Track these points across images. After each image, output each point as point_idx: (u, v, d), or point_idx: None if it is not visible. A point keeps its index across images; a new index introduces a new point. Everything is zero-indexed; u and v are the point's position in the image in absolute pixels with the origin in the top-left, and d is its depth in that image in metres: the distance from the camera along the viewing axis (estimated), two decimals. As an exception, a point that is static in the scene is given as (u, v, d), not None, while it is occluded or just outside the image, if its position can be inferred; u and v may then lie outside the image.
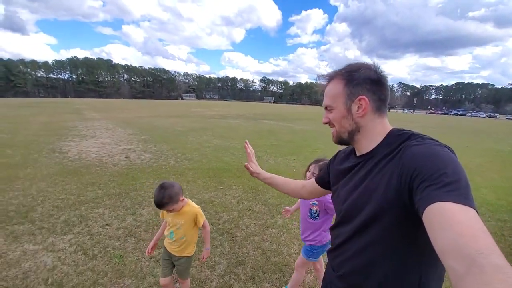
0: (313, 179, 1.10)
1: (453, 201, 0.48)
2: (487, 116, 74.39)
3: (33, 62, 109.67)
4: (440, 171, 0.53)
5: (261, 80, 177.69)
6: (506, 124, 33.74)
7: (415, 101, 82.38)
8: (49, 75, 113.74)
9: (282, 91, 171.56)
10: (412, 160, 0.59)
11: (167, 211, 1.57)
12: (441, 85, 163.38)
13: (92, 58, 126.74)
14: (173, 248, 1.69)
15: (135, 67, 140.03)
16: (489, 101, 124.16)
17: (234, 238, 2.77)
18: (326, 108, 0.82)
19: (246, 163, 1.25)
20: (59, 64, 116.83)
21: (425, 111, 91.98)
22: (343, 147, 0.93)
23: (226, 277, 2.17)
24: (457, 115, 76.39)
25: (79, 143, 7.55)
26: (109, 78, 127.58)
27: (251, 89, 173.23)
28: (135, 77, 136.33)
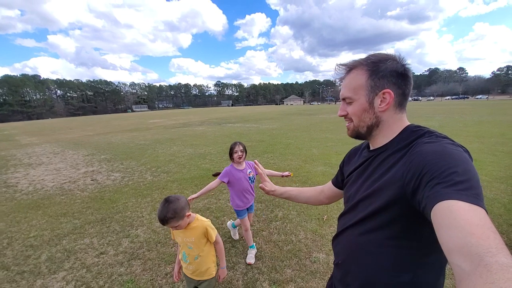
0: (330, 182, 1.08)
1: (462, 200, 0.47)
2: (412, 99, 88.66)
3: None
4: (451, 170, 0.52)
5: (215, 85, 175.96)
6: (429, 104, 40.49)
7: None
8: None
9: (238, 93, 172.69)
10: (422, 156, 0.58)
11: (172, 228, 1.43)
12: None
13: (14, 75, 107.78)
14: (191, 272, 1.56)
15: (70, 80, 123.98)
16: (413, 87, 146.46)
17: (243, 237, 2.84)
18: (344, 99, 0.78)
19: (260, 184, 1.19)
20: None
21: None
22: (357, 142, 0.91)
23: (249, 273, 2.26)
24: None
25: (27, 173, 6.49)
26: (38, 96, 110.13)
27: (207, 94, 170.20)
28: (71, 92, 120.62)
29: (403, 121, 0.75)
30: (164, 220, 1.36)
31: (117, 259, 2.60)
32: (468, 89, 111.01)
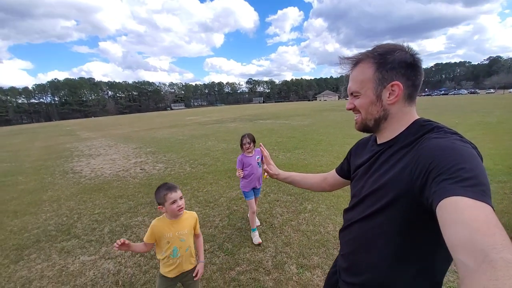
0: (334, 170, 1.09)
1: (468, 196, 0.47)
2: (468, 92, 77.51)
3: (12, 89, 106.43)
4: (459, 166, 0.51)
5: (247, 82, 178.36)
6: (488, 98, 35.33)
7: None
8: (31, 100, 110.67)
9: (269, 90, 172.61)
10: (430, 152, 0.58)
11: (172, 201, 1.41)
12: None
13: (73, 79, 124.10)
14: (177, 269, 1.51)
15: (119, 82, 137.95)
16: (469, 78, 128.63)
17: (273, 225, 3.03)
18: (351, 93, 0.78)
19: (265, 167, 1.23)
20: (40, 88, 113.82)
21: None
22: (365, 135, 0.91)
23: (278, 256, 2.44)
24: (440, 95, 78.98)
25: (89, 162, 7.62)
26: (92, 96, 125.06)
27: (239, 91, 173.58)
28: (120, 92, 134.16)
29: (412, 114, 0.73)
30: (174, 186, 1.45)
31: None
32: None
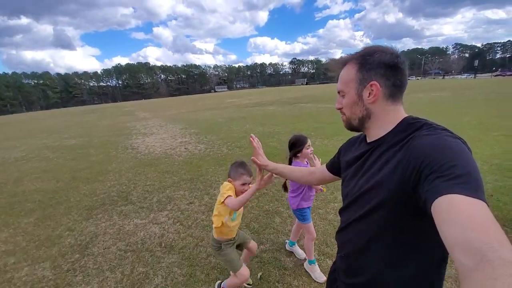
0: (324, 166, 1.10)
1: (463, 194, 0.47)
2: None
3: (86, 74, 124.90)
4: (451, 163, 0.51)
5: (290, 62, 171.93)
6: None
7: (476, 64, 70.59)
8: (100, 83, 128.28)
9: (314, 70, 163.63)
10: (421, 150, 0.57)
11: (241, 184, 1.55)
12: (509, 40, 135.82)
13: (132, 64, 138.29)
14: (234, 229, 1.69)
15: (170, 66, 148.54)
16: None
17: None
18: (339, 93, 0.81)
19: (252, 157, 1.24)
20: (106, 73, 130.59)
21: (489, 74, 77.48)
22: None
23: (301, 241, 2.52)
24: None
25: (144, 140, 8.70)
26: (148, 80, 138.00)
27: (281, 73, 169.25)
28: (170, 75, 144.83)
29: (399, 112, 0.74)
30: (251, 171, 1.60)
31: (201, 209, 3.37)
32: None
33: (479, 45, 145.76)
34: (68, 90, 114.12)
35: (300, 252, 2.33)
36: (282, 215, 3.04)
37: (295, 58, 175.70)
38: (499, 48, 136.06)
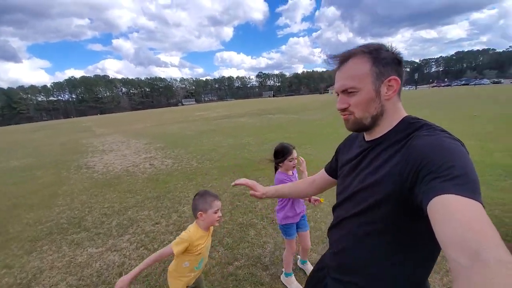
0: (323, 170, 1.07)
1: (460, 194, 0.47)
2: (491, 82, 72.30)
3: (33, 88, 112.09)
4: (449, 164, 0.51)
5: (257, 76, 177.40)
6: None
7: (416, 77, 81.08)
8: (50, 98, 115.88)
9: (279, 83, 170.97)
10: (420, 150, 0.58)
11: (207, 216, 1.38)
12: (441, 56, 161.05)
13: (89, 76, 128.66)
14: (195, 277, 1.52)
15: (132, 79, 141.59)
16: (492, 67, 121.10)
17: (274, 221, 3.03)
18: (345, 91, 0.72)
19: (251, 192, 1.20)
20: (58, 86, 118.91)
21: (427, 85, 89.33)
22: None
23: (276, 252, 2.45)
24: (460, 85, 74.68)
25: (102, 158, 7.92)
26: (108, 93, 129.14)
27: (249, 86, 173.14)
28: (133, 89, 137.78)
29: (402, 110, 0.74)
30: (217, 195, 1.44)
31: (168, 229, 3.09)
32: None
33: (417, 60, 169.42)
34: (11, 106, 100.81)
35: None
36: (256, 227, 2.94)
37: (261, 72, 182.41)
38: (433, 63, 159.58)
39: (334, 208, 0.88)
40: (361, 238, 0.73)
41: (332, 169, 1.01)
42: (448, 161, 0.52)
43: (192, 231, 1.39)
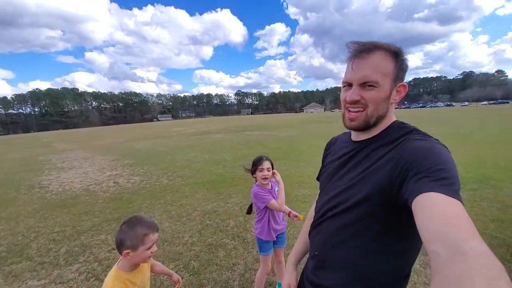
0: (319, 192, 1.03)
1: (444, 193, 0.50)
2: (444, 105, 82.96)
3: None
4: (438, 166, 0.54)
5: (236, 94, 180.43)
6: (462, 111, 37.56)
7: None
8: (9, 111, 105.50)
9: (257, 102, 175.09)
10: (412, 152, 0.60)
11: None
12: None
13: (55, 89, 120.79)
14: None
15: (104, 93, 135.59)
16: (445, 92, 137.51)
17: (245, 240, 2.86)
18: (365, 83, 0.68)
19: None
20: (19, 98, 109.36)
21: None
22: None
23: (246, 274, 2.26)
24: (418, 107, 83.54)
25: (59, 176, 7.14)
26: (75, 107, 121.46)
27: (227, 103, 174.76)
28: (105, 103, 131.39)
29: (393, 116, 0.75)
30: (155, 225, 1.15)
31: (126, 255, 2.75)
32: (508, 93, 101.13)
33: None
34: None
35: None
36: (227, 248, 2.73)
37: (239, 90, 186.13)
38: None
39: (319, 206, 0.84)
40: (344, 236, 0.71)
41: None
42: (438, 164, 0.55)
43: (110, 284, 1.06)
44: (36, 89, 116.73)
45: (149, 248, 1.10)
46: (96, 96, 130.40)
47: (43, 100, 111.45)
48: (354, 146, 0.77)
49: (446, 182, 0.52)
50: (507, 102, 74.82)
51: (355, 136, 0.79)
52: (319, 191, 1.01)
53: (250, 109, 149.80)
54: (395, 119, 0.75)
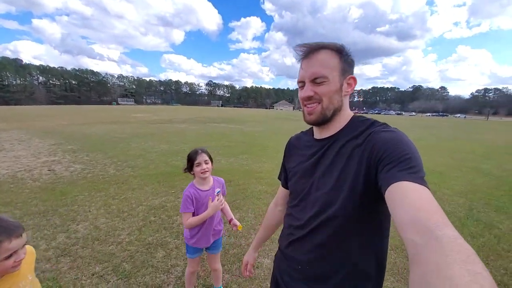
0: (280, 188, 1.04)
1: (414, 182, 0.53)
2: (395, 113, 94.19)
3: None
4: (406, 156, 0.58)
5: (207, 84, 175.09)
6: (410, 119, 42.24)
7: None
8: None
9: (229, 94, 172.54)
10: (382, 144, 0.63)
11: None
12: (361, 89, 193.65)
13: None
14: None
15: (54, 67, 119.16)
16: (397, 102, 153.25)
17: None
18: (315, 79, 0.72)
19: (247, 273, 1.15)
20: None
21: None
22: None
23: (183, 278, 2.09)
24: (374, 113, 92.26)
25: (-21, 159, 5.98)
26: (18, 81, 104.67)
27: (197, 93, 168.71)
28: (54, 79, 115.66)
29: (349, 110, 0.80)
30: (17, 227, 0.92)
31: (46, 254, 2.36)
32: (448, 108, 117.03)
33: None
34: None
35: None
36: (167, 247, 2.52)
37: (211, 80, 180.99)
38: (356, 94, 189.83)
39: (294, 211, 0.83)
40: (339, 241, 0.72)
41: (286, 182, 0.96)
42: (406, 153, 0.58)
43: None
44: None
45: (7, 258, 0.86)
46: (44, 70, 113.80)
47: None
48: (320, 144, 0.78)
49: (413, 170, 0.55)
50: (446, 115, 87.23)
51: (318, 134, 0.80)
52: (278, 188, 1.05)
53: (221, 101, 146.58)
54: (352, 113, 0.78)
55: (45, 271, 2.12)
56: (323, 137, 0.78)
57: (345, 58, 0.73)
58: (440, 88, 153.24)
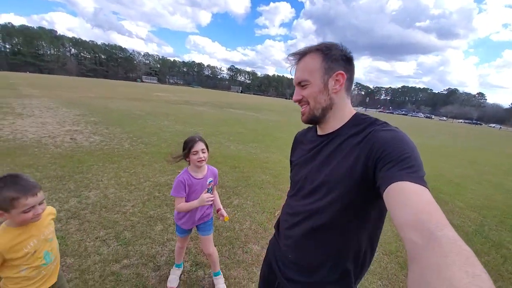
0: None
1: (413, 182, 0.53)
2: (424, 116, 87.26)
3: None
4: (406, 155, 0.58)
5: (229, 69, 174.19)
6: (439, 124, 39.65)
7: (367, 100, 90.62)
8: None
9: (250, 81, 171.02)
10: (382, 143, 0.63)
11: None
12: (390, 87, 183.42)
13: (31, 27, 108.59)
14: (52, 277, 1.22)
15: (85, 41, 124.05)
16: (427, 104, 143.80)
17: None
18: (299, 84, 0.79)
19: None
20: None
21: (375, 109, 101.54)
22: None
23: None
24: (400, 114, 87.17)
25: (13, 122, 6.54)
26: (52, 51, 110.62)
27: (219, 77, 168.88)
28: (85, 52, 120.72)
29: (351, 107, 0.81)
30: (33, 186, 1.04)
31: (58, 215, 2.58)
32: (484, 116, 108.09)
33: (371, 86, 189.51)
34: None
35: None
36: (166, 222, 2.67)
37: (233, 65, 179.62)
38: (383, 92, 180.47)
39: (293, 202, 0.87)
40: (335, 228, 0.74)
41: None
42: (406, 153, 0.59)
43: None
44: (9, 23, 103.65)
45: (26, 211, 1.02)
46: (76, 42, 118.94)
47: (16, 37, 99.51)
48: (320, 140, 0.82)
49: (413, 170, 0.55)
50: (480, 124, 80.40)
51: (320, 131, 0.84)
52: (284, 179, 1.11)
53: (241, 87, 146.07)
54: (355, 111, 0.80)
55: (56, 230, 2.34)
56: (324, 133, 0.82)
57: (329, 55, 0.75)
58: (477, 94, 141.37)
